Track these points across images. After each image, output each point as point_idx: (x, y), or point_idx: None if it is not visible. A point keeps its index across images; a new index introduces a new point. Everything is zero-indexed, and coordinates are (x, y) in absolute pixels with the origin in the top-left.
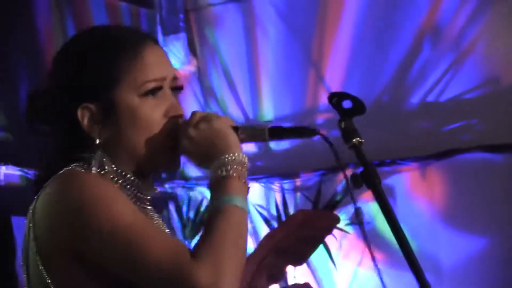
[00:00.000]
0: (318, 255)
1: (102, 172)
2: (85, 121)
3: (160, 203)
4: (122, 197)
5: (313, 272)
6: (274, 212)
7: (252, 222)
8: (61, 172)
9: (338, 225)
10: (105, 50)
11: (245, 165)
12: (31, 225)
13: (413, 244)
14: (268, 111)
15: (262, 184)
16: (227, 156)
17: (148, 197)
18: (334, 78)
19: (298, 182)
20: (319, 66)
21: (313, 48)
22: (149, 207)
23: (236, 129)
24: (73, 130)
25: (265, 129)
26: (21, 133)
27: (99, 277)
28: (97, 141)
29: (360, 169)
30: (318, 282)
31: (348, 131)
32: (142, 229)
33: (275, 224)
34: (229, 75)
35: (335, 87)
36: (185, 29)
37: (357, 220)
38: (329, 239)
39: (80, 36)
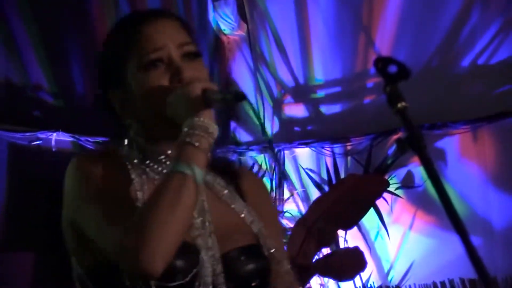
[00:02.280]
0: (369, 219)
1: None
2: (117, 106)
3: None
4: (100, 178)
5: (364, 235)
6: (325, 176)
7: (303, 186)
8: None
9: (388, 189)
10: (114, 39)
11: (208, 131)
12: None
13: (465, 207)
14: (318, 75)
15: (313, 149)
16: (189, 120)
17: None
18: (384, 43)
19: (349, 146)
20: (369, 31)
21: (363, 13)
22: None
23: (204, 92)
24: (114, 116)
25: (231, 92)
26: (73, 100)
27: (87, 243)
28: (128, 121)
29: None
30: (369, 245)
31: (393, 96)
32: (103, 205)
33: (326, 189)
34: (279, 40)
35: (385, 52)
36: None
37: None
38: (380, 203)
39: (107, 33)
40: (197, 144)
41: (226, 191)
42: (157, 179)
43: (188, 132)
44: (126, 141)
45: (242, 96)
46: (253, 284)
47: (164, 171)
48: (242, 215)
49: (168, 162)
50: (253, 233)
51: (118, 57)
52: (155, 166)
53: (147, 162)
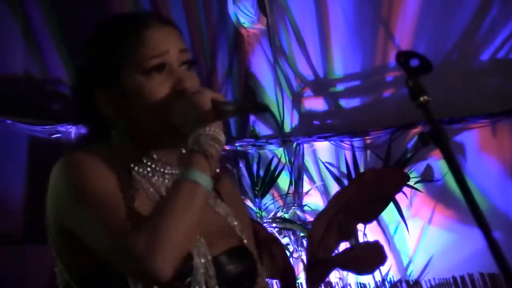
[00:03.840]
0: (388, 213)
1: (118, 149)
2: (104, 106)
3: (231, 161)
4: (99, 177)
5: (383, 229)
6: (344, 170)
7: (322, 180)
8: (63, 156)
9: (408, 183)
10: (111, 36)
11: (218, 140)
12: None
13: (484, 201)
14: (338, 69)
15: (332, 143)
16: (199, 130)
17: (167, 171)
18: (404, 36)
19: (368, 140)
20: (389, 24)
21: (383, 6)
22: (166, 180)
23: (217, 104)
24: (99, 115)
25: (247, 104)
26: None
27: (85, 253)
28: (116, 122)
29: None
30: (388, 239)
31: (415, 89)
32: (104, 204)
33: (345, 182)
34: (298, 33)
35: (405, 45)
36: None
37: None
38: (399, 197)
39: (95, 28)
40: (208, 153)
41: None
42: (143, 183)
43: (198, 141)
44: (112, 141)
45: (258, 108)
46: (243, 285)
47: (150, 175)
48: (227, 219)
49: (154, 167)
50: (237, 236)
51: (116, 56)
52: (141, 170)
53: (132, 165)
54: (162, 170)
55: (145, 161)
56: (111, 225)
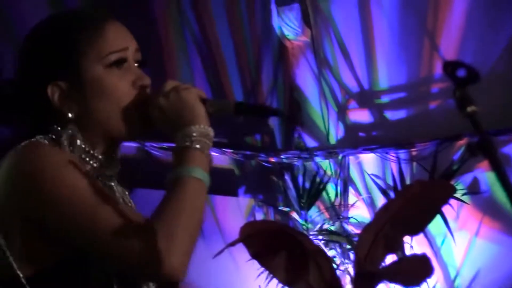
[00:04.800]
0: (435, 225)
1: (70, 147)
2: (55, 98)
3: (276, 174)
4: (75, 168)
5: (430, 242)
6: (390, 182)
7: (368, 192)
8: (22, 143)
9: (455, 195)
10: (68, 29)
11: (210, 137)
12: None
13: None
14: (383, 81)
15: (378, 154)
16: (192, 127)
17: (110, 174)
18: (449, 47)
19: (414, 151)
20: (434, 35)
21: (428, 17)
22: (112, 183)
23: (204, 101)
24: (47, 109)
25: (230, 104)
26: None
27: (51, 243)
28: (69, 115)
29: (475, 138)
30: (435, 252)
31: (463, 100)
32: (98, 201)
33: (391, 194)
34: (343, 45)
35: (450, 56)
36: (299, 0)
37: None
38: (446, 209)
39: (46, 20)
40: (205, 151)
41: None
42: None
43: (191, 138)
44: (64, 136)
45: (243, 108)
46: None
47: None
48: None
49: (95, 166)
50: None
51: (75, 47)
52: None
53: (91, 162)
54: (104, 171)
55: (88, 158)
56: (114, 224)
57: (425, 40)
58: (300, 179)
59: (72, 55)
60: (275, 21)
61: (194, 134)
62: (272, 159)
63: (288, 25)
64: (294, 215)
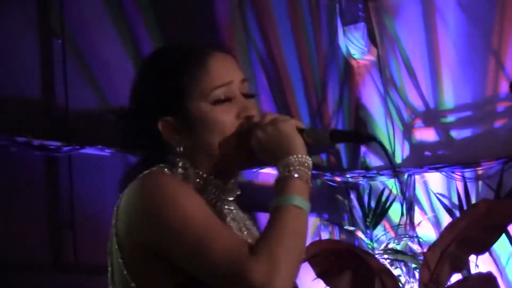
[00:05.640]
0: (500, 243)
1: (185, 174)
2: (166, 133)
3: (342, 193)
4: (194, 196)
5: (495, 260)
6: (455, 201)
7: (434, 211)
8: (144, 172)
9: None
10: (175, 66)
11: (308, 166)
12: (114, 221)
13: None
14: (449, 100)
15: (444, 173)
16: (291, 157)
17: (230, 198)
18: None
19: (480, 170)
20: (499, 54)
21: (493, 36)
22: (231, 207)
23: (301, 131)
24: (158, 142)
25: (326, 133)
26: None
27: (171, 271)
28: (178, 150)
29: None
30: (500, 270)
31: None
32: (208, 226)
33: (456, 213)
34: (409, 64)
35: None
36: (365, 19)
37: None
38: (511, 228)
39: (154, 56)
40: (304, 179)
41: (247, 221)
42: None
43: (291, 168)
44: (179, 167)
45: (338, 136)
46: None
47: (214, 201)
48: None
49: (217, 194)
50: None
51: (180, 85)
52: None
53: (209, 188)
54: (222, 196)
55: (204, 184)
56: (225, 250)
57: (490, 58)
58: (366, 198)
59: (179, 92)
60: (341, 40)
61: (293, 164)
62: (338, 178)
63: (354, 44)
64: (360, 234)
